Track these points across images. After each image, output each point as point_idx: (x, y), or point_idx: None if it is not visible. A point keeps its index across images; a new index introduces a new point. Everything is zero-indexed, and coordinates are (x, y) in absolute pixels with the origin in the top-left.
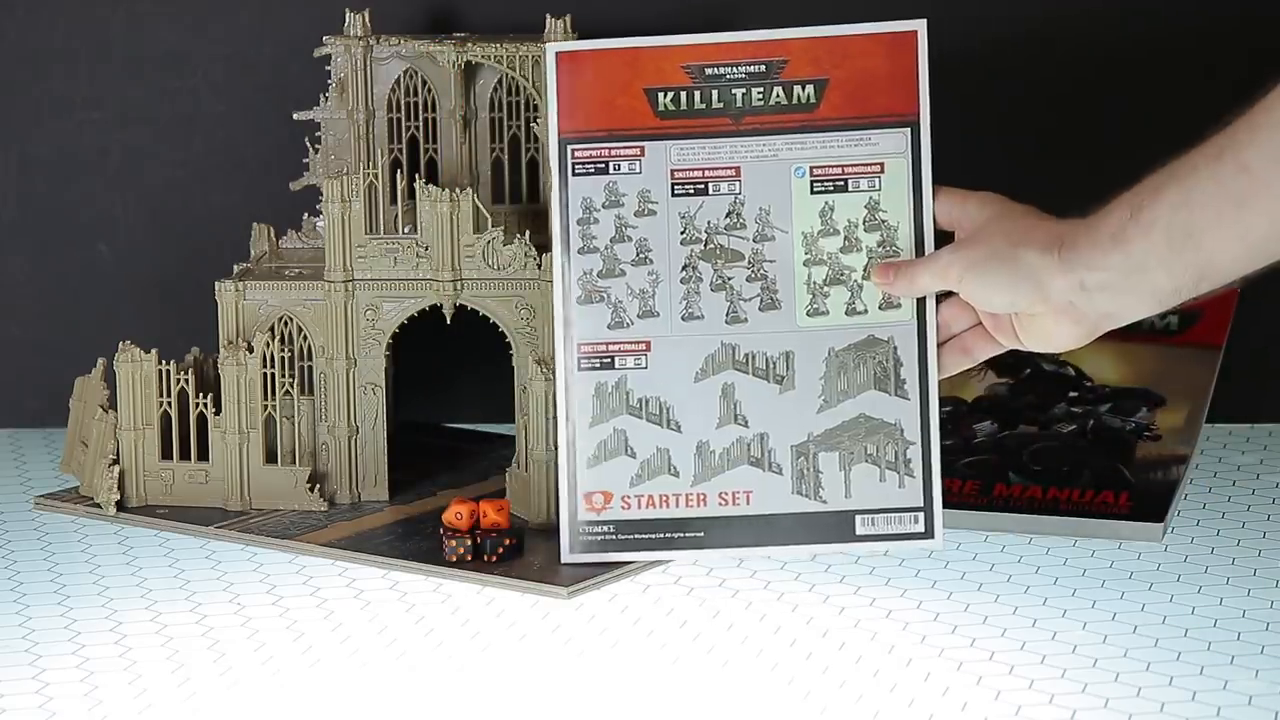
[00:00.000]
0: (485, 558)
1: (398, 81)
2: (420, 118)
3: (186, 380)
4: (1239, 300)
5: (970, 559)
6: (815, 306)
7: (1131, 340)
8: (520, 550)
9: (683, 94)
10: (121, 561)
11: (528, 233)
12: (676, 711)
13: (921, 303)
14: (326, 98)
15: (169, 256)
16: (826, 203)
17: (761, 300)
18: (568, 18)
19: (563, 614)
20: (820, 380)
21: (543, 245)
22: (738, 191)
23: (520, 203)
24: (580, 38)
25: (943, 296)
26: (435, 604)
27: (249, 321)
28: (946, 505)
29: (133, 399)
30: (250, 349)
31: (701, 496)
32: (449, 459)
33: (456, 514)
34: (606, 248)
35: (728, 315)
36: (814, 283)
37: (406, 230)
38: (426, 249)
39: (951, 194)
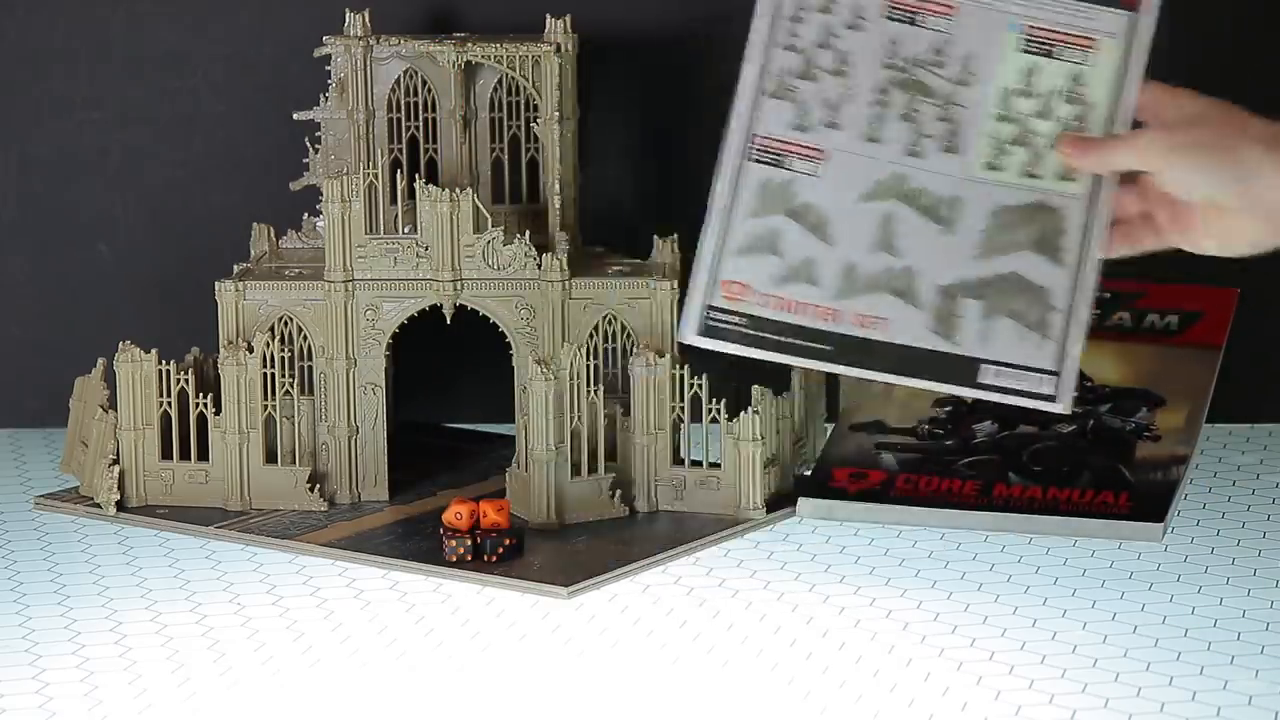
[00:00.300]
0: (485, 558)
1: (398, 81)
2: (420, 118)
3: (186, 380)
4: (1239, 300)
5: (970, 559)
6: (995, 161)
7: (1131, 340)
8: (520, 550)
9: None
10: (121, 561)
11: (528, 233)
12: (676, 711)
13: (1098, 180)
14: (326, 98)
15: (169, 256)
16: (1033, 64)
17: (945, 142)
18: (568, 18)
19: (563, 614)
20: (981, 232)
21: (543, 245)
22: (950, 30)
23: (520, 203)
24: (580, 38)
25: (1123, 179)
26: (435, 604)
27: (249, 321)
28: (945, 505)
29: (133, 399)
30: (250, 349)
31: (837, 312)
32: (449, 459)
33: (456, 514)
34: (808, 50)
35: (908, 147)
36: (1000, 138)
37: (406, 230)
38: (426, 249)
39: (1159, 87)
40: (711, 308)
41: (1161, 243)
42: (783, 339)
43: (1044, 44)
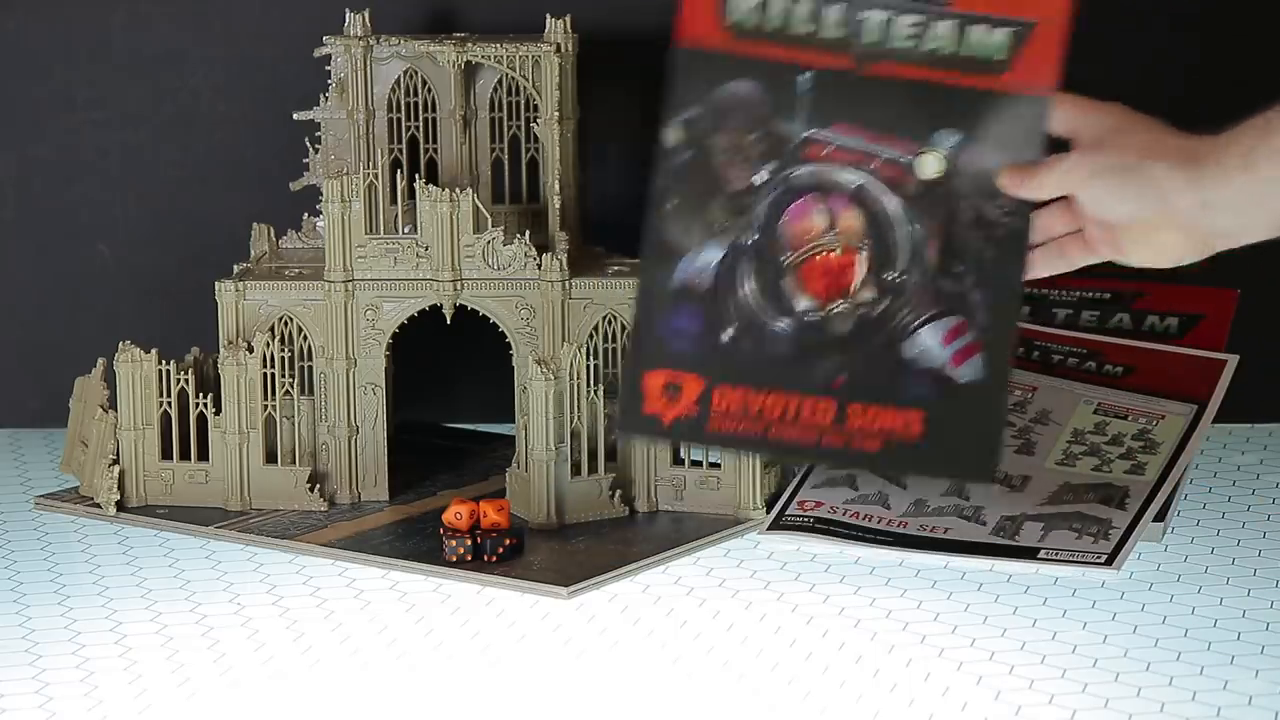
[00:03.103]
0: (485, 558)
1: (398, 81)
2: (420, 118)
3: (186, 380)
4: (1239, 301)
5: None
6: (1065, 461)
7: (1132, 340)
8: (520, 550)
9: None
10: (121, 561)
11: (528, 233)
12: (677, 711)
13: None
14: (326, 98)
15: (169, 256)
16: (1104, 421)
17: (1018, 444)
18: (568, 18)
19: (563, 614)
20: (1049, 495)
21: (543, 245)
22: (1030, 398)
23: (520, 203)
24: (580, 38)
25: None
26: (435, 604)
27: (249, 321)
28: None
29: (133, 399)
30: (250, 349)
31: (905, 523)
32: (449, 459)
33: (456, 514)
34: None
35: None
36: (1071, 452)
37: (406, 230)
38: (426, 249)
39: (1074, 102)
40: (788, 513)
41: (1092, 256)
42: (851, 534)
43: (1115, 411)
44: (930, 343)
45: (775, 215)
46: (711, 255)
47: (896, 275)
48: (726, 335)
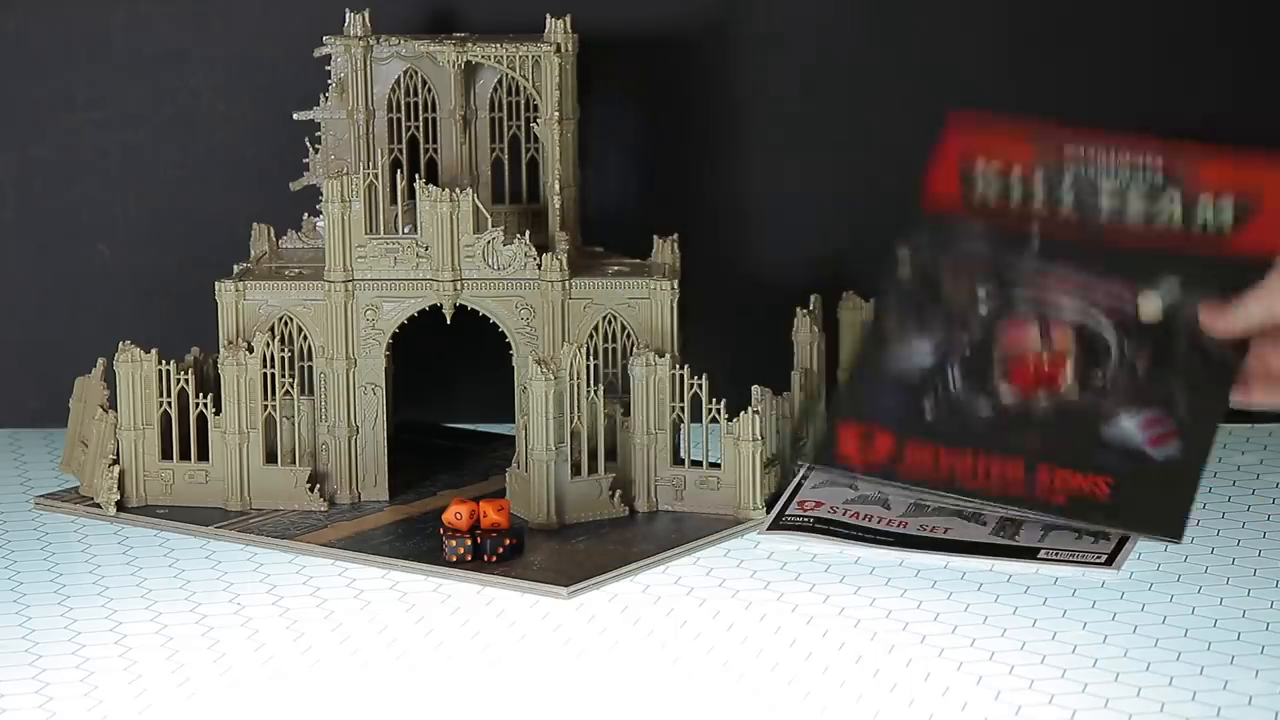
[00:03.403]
0: (485, 558)
1: (398, 81)
2: (420, 118)
3: (186, 380)
4: None
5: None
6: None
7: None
8: (520, 550)
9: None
10: (121, 561)
11: (528, 233)
12: (677, 711)
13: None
14: (326, 98)
15: (169, 256)
16: None
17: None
18: (568, 18)
19: (563, 614)
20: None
21: (543, 245)
22: None
23: (520, 203)
24: (580, 38)
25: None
26: (435, 604)
27: (249, 321)
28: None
29: (133, 399)
30: (250, 349)
31: (904, 522)
32: (449, 459)
33: (456, 514)
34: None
35: None
36: None
37: (406, 230)
38: (426, 249)
39: None
40: (786, 514)
41: None
42: (851, 534)
43: None
44: (1129, 426)
45: (992, 327)
46: (924, 350)
47: (1104, 379)
48: (927, 409)
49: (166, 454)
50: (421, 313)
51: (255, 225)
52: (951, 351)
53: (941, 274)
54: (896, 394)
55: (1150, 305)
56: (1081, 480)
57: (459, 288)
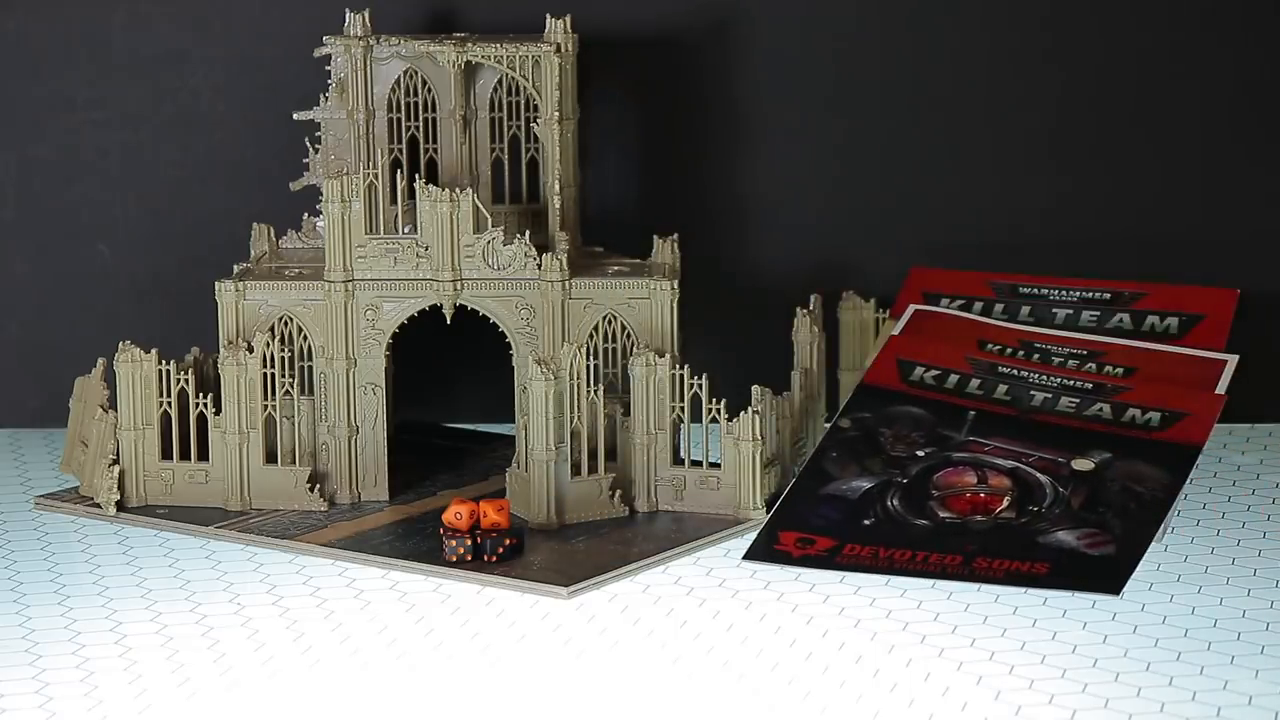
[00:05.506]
0: (485, 558)
1: (398, 81)
2: (420, 118)
3: (186, 380)
4: (1239, 301)
5: None
6: None
7: (1133, 341)
8: (520, 550)
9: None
10: (121, 561)
11: (528, 233)
12: (677, 712)
13: None
14: (326, 98)
15: (169, 256)
16: None
17: None
18: (568, 18)
19: (563, 614)
20: None
21: (543, 245)
22: None
23: (520, 203)
24: (580, 38)
25: None
26: (435, 604)
27: (249, 321)
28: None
29: (133, 399)
30: (250, 349)
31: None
32: (449, 459)
33: (456, 514)
34: None
35: None
36: None
37: (406, 230)
38: (426, 249)
39: None
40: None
41: None
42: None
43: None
44: (1065, 537)
45: (930, 470)
46: (862, 484)
47: (1040, 509)
48: (867, 522)
49: (166, 454)
50: (421, 313)
51: (255, 225)
52: (890, 486)
53: (881, 433)
54: (837, 508)
55: (1083, 463)
56: (1021, 565)
57: (459, 288)
